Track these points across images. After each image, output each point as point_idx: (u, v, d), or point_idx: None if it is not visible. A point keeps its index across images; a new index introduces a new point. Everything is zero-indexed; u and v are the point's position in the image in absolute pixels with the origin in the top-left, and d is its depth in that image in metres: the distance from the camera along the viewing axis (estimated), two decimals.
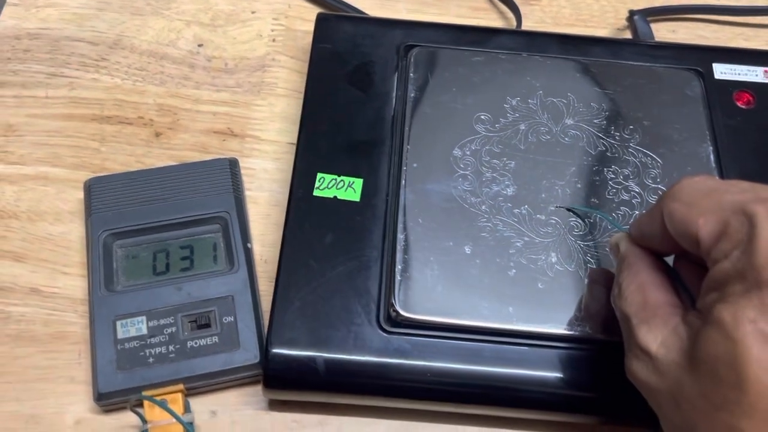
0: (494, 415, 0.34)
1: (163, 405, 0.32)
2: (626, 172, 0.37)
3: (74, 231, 0.39)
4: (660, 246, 0.28)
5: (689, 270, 0.28)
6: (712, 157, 0.38)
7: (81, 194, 0.39)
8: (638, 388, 0.27)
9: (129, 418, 0.34)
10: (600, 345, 0.33)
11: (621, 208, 0.36)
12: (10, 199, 0.40)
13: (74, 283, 0.37)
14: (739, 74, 0.42)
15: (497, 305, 0.33)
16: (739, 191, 0.25)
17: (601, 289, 0.33)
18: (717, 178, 0.26)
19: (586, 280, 0.34)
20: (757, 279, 0.22)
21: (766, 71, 0.42)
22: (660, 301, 0.27)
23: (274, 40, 0.46)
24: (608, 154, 0.38)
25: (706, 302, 0.24)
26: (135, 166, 0.41)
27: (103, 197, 0.37)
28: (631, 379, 0.27)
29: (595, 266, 0.34)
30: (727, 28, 0.49)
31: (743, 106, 0.41)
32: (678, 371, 0.25)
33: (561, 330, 0.33)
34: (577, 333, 0.33)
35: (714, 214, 0.25)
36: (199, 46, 0.46)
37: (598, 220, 0.36)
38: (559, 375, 0.33)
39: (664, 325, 0.26)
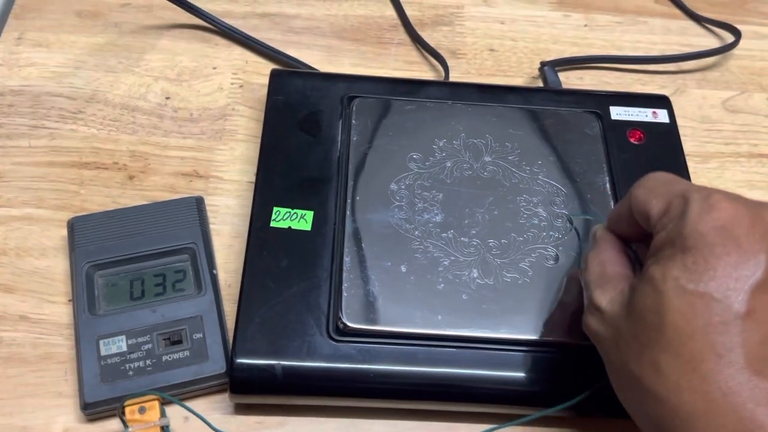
0: (429, 409, 0.40)
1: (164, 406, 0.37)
2: (535, 200, 0.44)
3: (58, 265, 0.44)
4: (627, 228, 0.34)
5: (646, 253, 0.34)
6: (608, 186, 0.45)
7: (64, 232, 0.44)
8: (591, 338, 0.34)
9: (111, 425, 0.38)
10: (515, 344, 0.39)
11: (531, 230, 0.43)
12: (0, 237, 0.44)
13: (59, 310, 0.42)
14: (632, 115, 0.50)
15: (428, 314, 0.39)
16: (687, 183, 0.32)
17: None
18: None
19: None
20: (683, 245, 0.29)
21: (654, 112, 0.50)
22: (615, 273, 0.33)
23: (236, 89, 0.52)
24: (520, 185, 0.44)
25: (646, 266, 0.31)
26: (111, 206, 0.46)
27: (85, 233, 0.42)
28: (586, 331, 0.34)
29: (509, 280, 0.41)
30: (627, 74, 0.57)
31: (635, 142, 0.48)
32: (619, 320, 0.31)
33: (481, 333, 0.39)
34: (495, 335, 0.39)
35: (663, 197, 0.31)
36: (167, 98, 0.52)
37: (512, 241, 0.42)
38: (482, 372, 0.39)
39: (614, 288, 0.32)
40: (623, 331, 0.30)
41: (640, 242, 0.35)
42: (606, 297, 0.32)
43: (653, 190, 0.32)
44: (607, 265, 0.34)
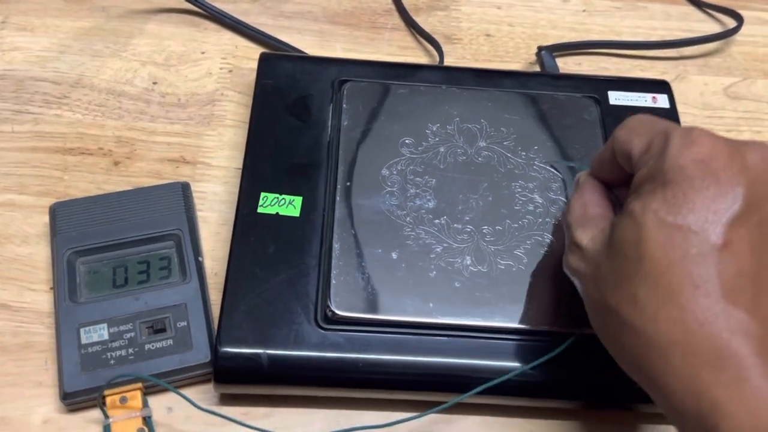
0: (418, 400, 0.38)
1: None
2: (531, 186, 0.43)
3: (40, 252, 0.42)
4: (610, 173, 0.35)
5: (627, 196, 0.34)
6: None
7: (46, 219, 0.43)
8: (571, 276, 0.34)
9: (92, 415, 0.37)
10: (509, 333, 0.38)
11: (527, 217, 0.41)
12: None
13: (41, 298, 0.41)
14: (630, 100, 0.48)
15: (419, 302, 0.38)
16: (669, 123, 0.32)
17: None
18: None
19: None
20: (663, 179, 0.29)
21: (654, 97, 0.49)
22: (596, 214, 0.34)
23: (226, 74, 0.51)
24: (516, 171, 0.43)
25: (627, 202, 0.31)
26: (96, 193, 0.45)
27: (67, 219, 0.41)
28: (566, 269, 0.34)
29: (503, 267, 0.39)
30: (626, 60, 0.56)
31: None
32: (599, 257, 0.31)
33: (474, 321, 0.38)
34: (489, 324, 0.38)
35: (645, 136, 0.31)
36: (154, 83, 0.50)
37: (507, 228, 0.41)
38: (475, 361, 0.37)
39: (595, 227, 0.33)
40: (602, 267, 0.31)
41: (622, 186, 0.35)
42: (587, 235, 0.33)
43: (635, 130, 0.32)
44: (589, 207, 0.34)
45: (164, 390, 0.38)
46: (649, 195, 0.29)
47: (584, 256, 0.32)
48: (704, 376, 0.27)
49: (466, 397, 0.36)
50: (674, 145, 0.29)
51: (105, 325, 0.38)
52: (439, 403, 0.38)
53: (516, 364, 0.37)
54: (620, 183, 0.34)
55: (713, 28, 0.58)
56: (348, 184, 0.42)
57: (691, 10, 0.59)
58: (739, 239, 0.28)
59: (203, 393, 0.39)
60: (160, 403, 0.38)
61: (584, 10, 0.58)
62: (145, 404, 0.37)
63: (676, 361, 0.27)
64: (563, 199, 0.42)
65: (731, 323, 0.27)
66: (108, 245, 0.41)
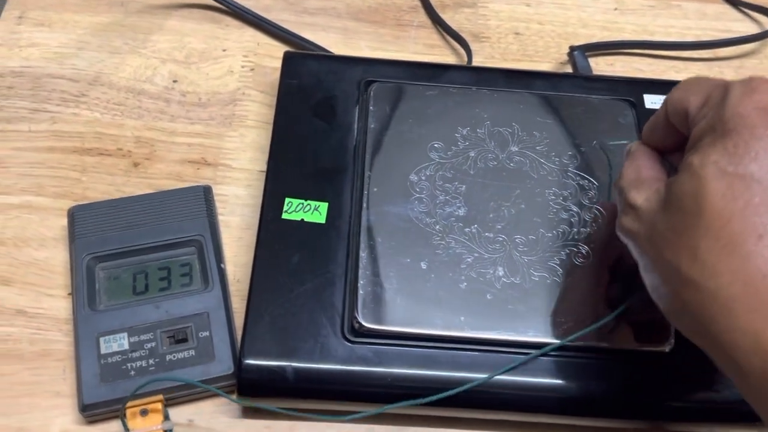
0: (447, 416, 0.37)
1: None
2: (565, 193, 0.41)
3: (58, 256, 0.41)
4: (663, 138, 0.34)
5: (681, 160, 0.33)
6: None
7: (64, 221, 0.41)
8: (624, 239, 0.33)
9: (112, 428, 0.36)
10: (541, 348, 0.36)
11: (561, 226, 0.40)
12: None
13: (58, 304, 0.40)
14: None
15: (450, 315, 0.37)
16: (725, 80, 0.30)
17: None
18: None
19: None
20: (723, 129, 0.28)
21: None
22: (650, 176, 0.33)
23: (247, 72, 0.50)
24: (549, 177, 0.41)
25: (684, 158, 0.29)
26: (115, 195, 0.43)
27: (86, 223, 0.40)
28: (620, 232, 0.33)
29: (537, 279, 0.38)
30: (660, 61, 0.54)
31: None
32: (655, 216, 0.30)
33: (507, 336, 0.36)
34: (522, 338, 0.36)
35: (702, 91, 0.30)
36: (174, 82, 0.49)
37: (540, 237, 0.39)
38: (508, 377, 0.36)
39: (649, 188, 0.32)
40: (659, 225, 0.30)
41: (674, 152, 0.34)
42: (642, 196, 0.32)
43: (690, 89, 0.31)
44: (643, 170, 0.33)
45: (185, 401, 0.37)
46: (708, 147, 0.28)
47: (639, 216, 0.31)
48: None
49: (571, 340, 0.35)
50: (734, 94, 0.28)
51: (125, 335, 0.37)
52: (467, 420, 0.37)
53: (551, 381, 0.36)
54: (673, 148, 0.34)
55: (750, 28, 0.56)
56: (375, 189, 0.40)
57: (727, 9, 0.57)
58: None
59: (226, 405, 0.38)
60: (180, 415, 0.37)
61: (616, 9, 0.56)
62: (166, 416, 0.36)
63: (740, 316, 0.26)
64: (598, 207, 0.41)
65: None
66: (128, 251, 0.40)
